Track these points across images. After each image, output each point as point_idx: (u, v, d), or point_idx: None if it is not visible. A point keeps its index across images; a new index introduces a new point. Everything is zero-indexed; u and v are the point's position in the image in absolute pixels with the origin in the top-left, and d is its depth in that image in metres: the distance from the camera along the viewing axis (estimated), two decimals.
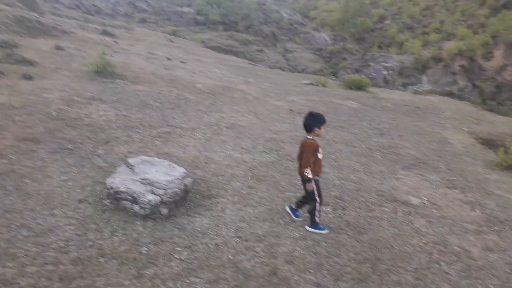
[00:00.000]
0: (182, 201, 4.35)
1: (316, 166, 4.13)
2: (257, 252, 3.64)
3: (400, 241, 4.22)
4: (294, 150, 6.77)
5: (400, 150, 7.57)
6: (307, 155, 4.06)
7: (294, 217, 4.42)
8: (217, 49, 26.30)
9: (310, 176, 4.05)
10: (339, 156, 6.81)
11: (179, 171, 4.47)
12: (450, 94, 18.87)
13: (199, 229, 3.94)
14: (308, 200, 4.26)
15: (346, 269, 3.56)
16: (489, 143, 9.73)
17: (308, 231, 4.16)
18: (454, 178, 6.37)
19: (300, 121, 8.98)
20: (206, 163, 5.78)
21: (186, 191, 4.39)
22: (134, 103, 7.85)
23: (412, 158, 7.20)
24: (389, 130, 9.11)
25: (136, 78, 10.00)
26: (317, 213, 4.19)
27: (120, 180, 4.09)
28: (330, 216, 4.58)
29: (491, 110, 15.52)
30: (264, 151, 6.65)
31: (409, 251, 4.03)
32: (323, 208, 4.73)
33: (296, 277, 3.34)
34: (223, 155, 6.25)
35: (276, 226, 4.18)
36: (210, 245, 3.67)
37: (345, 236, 4.15)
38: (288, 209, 4.54)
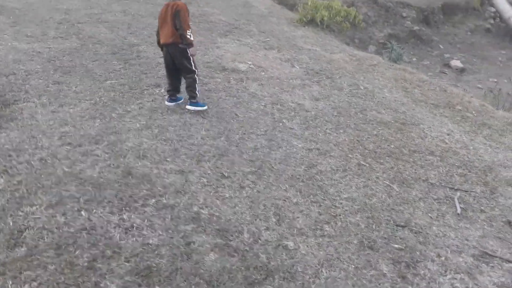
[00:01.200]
0: None
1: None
2: (98, 156, 2.99)
3: (243, 108, 4.13)
4: (99, 31, 5.69)
5: (211, 17, 7.20)
6: (185, 16, 3.50)
7: (178, 102, 3.97)
8: None
9: (192, 38, 3.59)
10: (152, 32, 5.98)
11: None
12: None
13: (8, 146, 2.95)
14: (184, 74, 3.82)
15: (204, 148, 3.30)
16: (284, 2, 10.25)
17: (188, 110, 3.84)
18: (268, 39, 6.50)
19: None
20: None
21: None
22: None
23: (225, 25, 6.96)
24: None
25: None
26: (197, 87, 3.82)
27: None
28: (166, 97, 4.08)
29: None
30: (60, 37, 5.34)
31: (253, 116, 4.01)
32: (157, 91, 4.21)
33: (155, 171, 2.91)
34: (3, 48, 4.76)
35: (109, 121, 3.50)
36: (34, 162, 2.81)
37: (189, 115, 3.81)
38: (169, 103, 3.92)
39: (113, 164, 2.90)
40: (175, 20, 3.49)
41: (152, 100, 3.99)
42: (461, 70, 10.88)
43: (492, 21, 12.44)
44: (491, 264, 2.53)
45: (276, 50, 6.04)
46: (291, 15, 8.59)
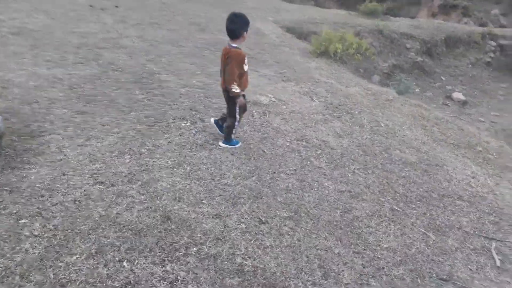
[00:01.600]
0: None
1: (242, 80, 3.52)
2: (133, 197, 2.90)
3: (269, 144, 4.09)
4: (118, 58, 5.65)
5: None
6: (232, 68, 3.38)
7: (219, 132, 3.97)
8: None
9: (238, 91, 3.48)
10: (171, 59, 6.02)
11: None
12: None
13: (40, 184, 2.85)
14: (227, 114, 3.80)
15: (237, 189, 3.23)
16: (292, 31, 10.37)
17: (220, 147, 3.82)
18: (285, 71, 6.53)
19: (107, 19, 7.52)
20: (4, 87, 4.22)
21: None
22: None
23: None
24: (207, 25, 8.58)
25: None
26: (234, 131, 3.80)
27: None
28: (193, 131, 4.03)
29: None
30: (80, 62, 5.29)
31: (280, 154, 3.96)
32: (183, 124, 4.16)
33: (193, 215, 2.83)
34: (25, 73, 4.68)
35: (140, 158, 3.42)
36: (68, 204, 2.71)
37: (218, 152, 3.75)
38: (213, 121, 3.99)
39: (150, 207, 2.81)
40: (226, 69, 3.47)
41: (180, 135, 3.93)
42: (463, 103, 11.03)
43: (492, 55, 12.72)
44: None
45: (294, 82, 6.05)
46: (302, 45, 8.68)
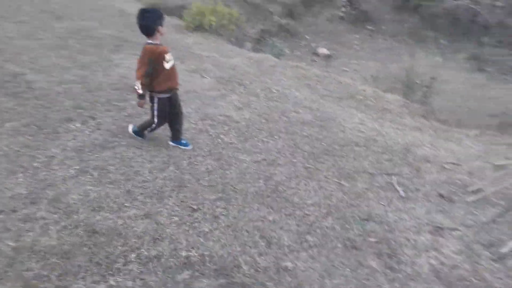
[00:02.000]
0: None
1: (161, 79, 3.22)
2: (45, 218, 2.54)
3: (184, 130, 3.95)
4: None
5: (94, 32, 6.62)
6: (140, 64, 3.12)
7: (184, 147, 3.62)
8: None
9: (141, 91, 3.17)
10: (33, 56, 5.28)
11: None
12: None
13: None
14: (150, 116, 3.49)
15: (158, 183, 3.08)
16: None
17: (130, 134, 3.66)
18: None
19: None
20: None
21: None
22: None
23: (112, 39, 6.48)
24: (63, 11, 7.67)
25: None
26: (148, 129, 3.55)
27: None
28: (87, 132, 3.68)
29: None
30: None
31: (189, 137, 3.85)
32: (72, 126, 3.75)
33: (120, 221, 2.62)
34: None
35: (35, 174, 3.00)
36: None
37: (123, 149, 3.49)
38: (172, 144, 3.64)
39: (70, 225, 2.52)
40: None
41: (73, 138, 3.54)
42: (328, 57, 12.10)
43: (344, 10, 14.03)
44: (444, 236, 2.97)
45: (179, 61, 5.84)
46: (174, 21, 8.41)
